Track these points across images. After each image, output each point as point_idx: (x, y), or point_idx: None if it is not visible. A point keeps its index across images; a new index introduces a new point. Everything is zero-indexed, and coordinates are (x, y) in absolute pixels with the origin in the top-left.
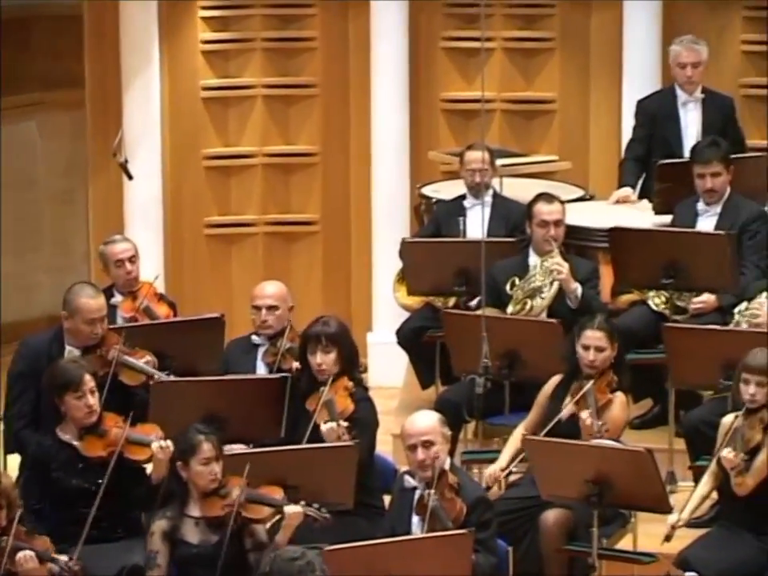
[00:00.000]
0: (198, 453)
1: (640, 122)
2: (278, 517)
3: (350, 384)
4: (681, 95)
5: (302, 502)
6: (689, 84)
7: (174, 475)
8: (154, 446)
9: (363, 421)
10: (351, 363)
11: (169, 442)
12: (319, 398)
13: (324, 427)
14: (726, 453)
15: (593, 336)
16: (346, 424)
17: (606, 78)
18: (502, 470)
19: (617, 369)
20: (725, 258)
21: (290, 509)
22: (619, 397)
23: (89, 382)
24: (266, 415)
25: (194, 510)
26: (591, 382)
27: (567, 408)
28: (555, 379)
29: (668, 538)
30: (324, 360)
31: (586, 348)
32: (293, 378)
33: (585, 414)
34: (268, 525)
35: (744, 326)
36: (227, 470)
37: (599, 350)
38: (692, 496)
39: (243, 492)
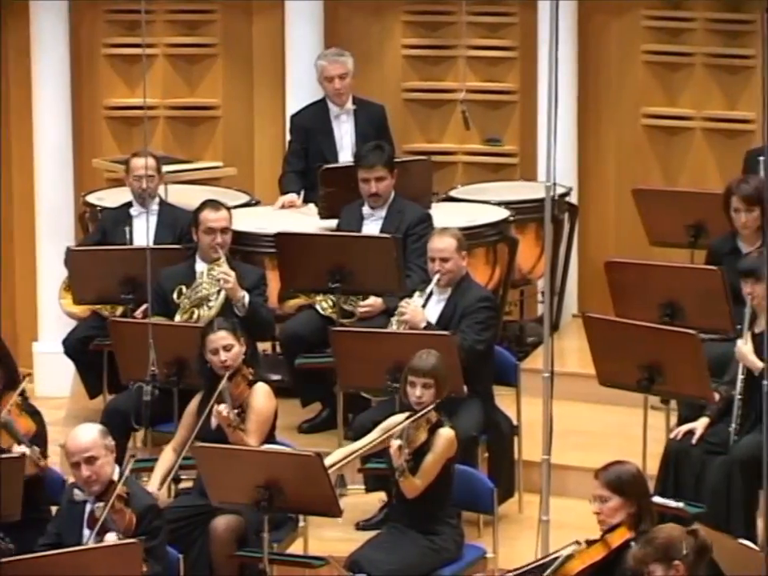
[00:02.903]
0: None
1: (294, 136)
2: None
3: (18, 399)
4: (333, 108)
5: None
6: (338, 96)
7: None
8: None
9: (43, 435)
10: (14, 378)
11: None
12: None
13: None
14: (395, 448)
15: (217, 338)
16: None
17: (270, 84)
18: (158, 490)
19: (251, 362)
20: (390, 261)
21: None
22: (260, 387)
23: None
24: None
25: None
26: (225, 378)
27: (213, 414)
28: (198, 396)
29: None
30: None
31: (214, 352)
32: None
33: (221, 407)
34: None
35: (394, 327)
36: None
37: (227, 348)
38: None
39: None
